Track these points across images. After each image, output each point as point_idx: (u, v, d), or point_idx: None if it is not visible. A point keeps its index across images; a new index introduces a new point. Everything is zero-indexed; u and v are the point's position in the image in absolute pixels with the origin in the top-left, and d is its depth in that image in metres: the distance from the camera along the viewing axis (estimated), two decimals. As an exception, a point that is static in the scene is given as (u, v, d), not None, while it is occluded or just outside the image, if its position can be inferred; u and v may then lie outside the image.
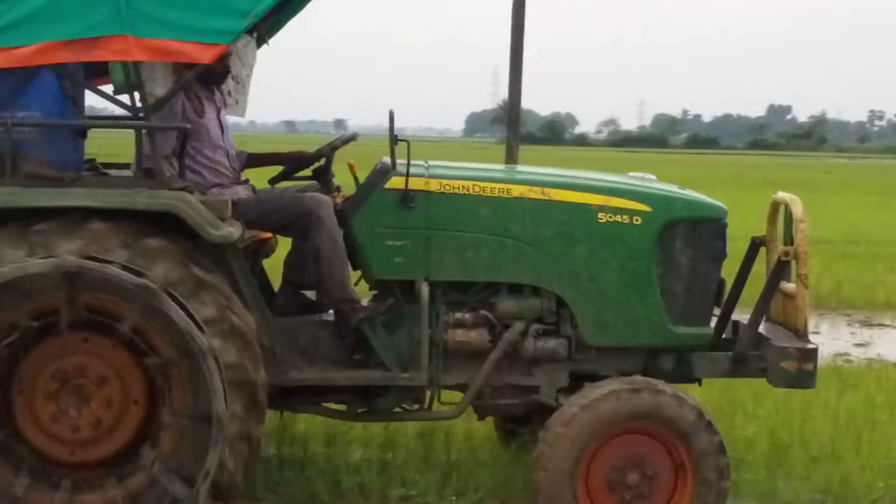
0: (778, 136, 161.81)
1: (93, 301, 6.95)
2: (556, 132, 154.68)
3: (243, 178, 8.25)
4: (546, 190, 7.89)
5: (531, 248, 7.86)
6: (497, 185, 7.88)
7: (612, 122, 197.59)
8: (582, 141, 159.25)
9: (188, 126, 7.64)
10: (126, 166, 8.35)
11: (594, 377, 7.93)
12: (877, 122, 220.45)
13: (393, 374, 7.77)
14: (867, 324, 15.78)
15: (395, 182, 7.77)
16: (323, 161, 8.44)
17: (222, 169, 7.96)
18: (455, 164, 8.27)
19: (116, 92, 7.69)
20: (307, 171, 8.50)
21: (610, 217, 7.83)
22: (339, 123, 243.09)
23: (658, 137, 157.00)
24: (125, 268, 6.87)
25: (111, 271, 6.81)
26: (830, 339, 14.28)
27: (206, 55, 7.08)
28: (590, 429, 7.34)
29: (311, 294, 8.35)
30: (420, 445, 9.00)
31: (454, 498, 8.13)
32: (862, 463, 8.98)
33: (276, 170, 8.54)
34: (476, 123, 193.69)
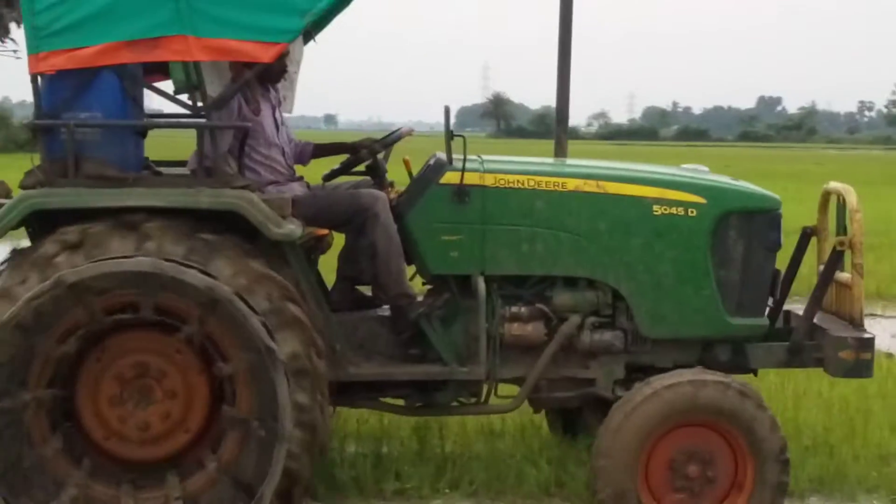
0: (768, 127, 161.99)
1: (162, 302, 6.96)
2: (547, 125, 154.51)
3: (297, 176, 8.25)
4: (601, 183, 7.91)
5: (586, 241, 7.89)
6: (552, 179, 7.90)
7: (602, 115, 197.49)
8: (573, 134, 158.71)
9: (249, 125, 7.67)
10: (178, 164, 8.35)
11: (651, 369, 7.96)
12: (867, 113, 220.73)
13: (451, 368, 7.80)
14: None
15: (450, 177, 7.80)
16: (374, 156, 8.44)
17: (277, 166, 7.98)
18: (509, 158, 8.28)
19: (177, 91, 7.73)
20: (360, 167, 8.50)
21: (665, 209, 7.86)
22: (330, 119, 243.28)
23: (648, 130, 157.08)
24: (198, 270, 6.87)
25: (187, 274, 6.82)
26: None
27: (266, 54, 7.10)
28: (653, 419, 7.36)
29: (365, 290, 8.35)
30: (414, 439, 8.98)
31: (448, 491, 8.14)
32: (855, 452, 8.99)
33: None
34: (466, 118, 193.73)
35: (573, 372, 8.03)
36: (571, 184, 7.90)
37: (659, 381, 7.44)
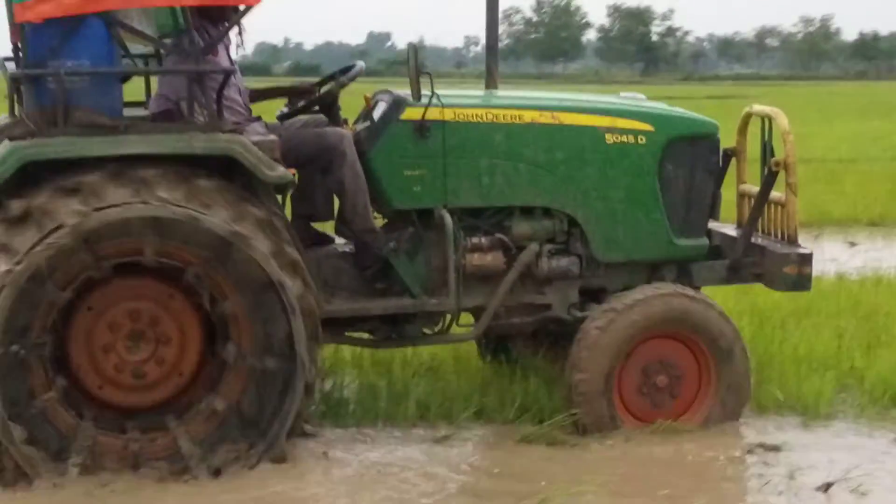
0: (378, 62, 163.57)
1: (163, 247, 7.00)
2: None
3: (255, 116, 8.31)
4: (556, 114, 8.24)
5: (544, 171, 8.20)
6: (509, 112, 8.19)
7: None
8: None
9: (235, 69, 7.69)
10: (134, 105, 8.27)
11: (602, 292, 8.34)
12: (472, 48, 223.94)
13: (421, 300, 8.03)
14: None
15: (411, 113, 8.00)
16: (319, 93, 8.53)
17: (237, 107, 8.01)
18: (467, 92, 8.53)
19: (161, 37, 7.67)
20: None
21: (616, 138, 8.24)
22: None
23: (262, 66, 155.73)
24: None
25: (202, 219, 6.92)
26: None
27: None
28: (627, 332, 7.82)
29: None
30: (370, 372, 9.19)
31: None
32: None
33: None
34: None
35: (530, 298, 8.32)
36: (528, 116, 8.19)
37: (631, 296, 7.87)
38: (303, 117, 8.49)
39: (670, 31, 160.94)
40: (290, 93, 8.62)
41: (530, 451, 7.77)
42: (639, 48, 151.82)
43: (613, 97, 8.87)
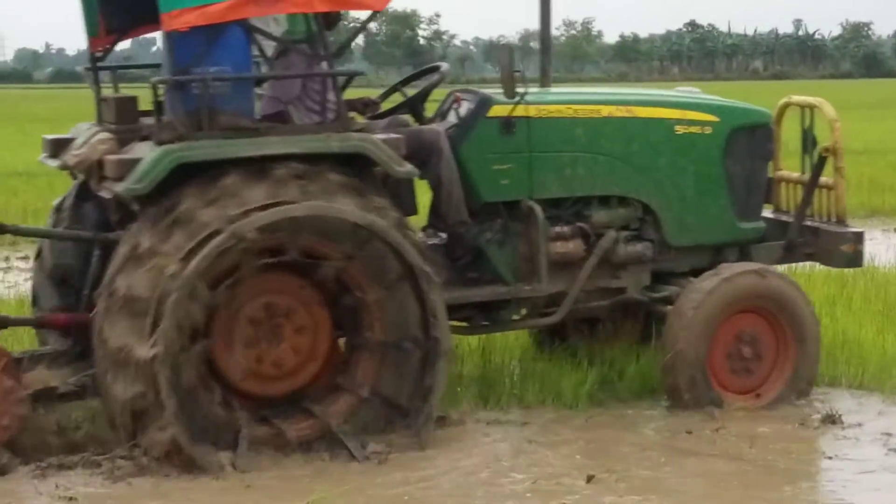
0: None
1: (308, 244, 7.47)
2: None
3: None
4: (631, 108, 8.85)
5: (620, 161, 8.80)
6: (588, 107, 8.80)
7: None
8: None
9: (362, 72, 8.11)
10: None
11: (671, 275, 8.97)
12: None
13: (515, 287, 8.54)
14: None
15: (497, 110, 8.55)
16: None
17: (334, 107, 8.37)
18: (548, 89, 9.01)
19: (295, 42, 8.00)
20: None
21: (686, 129, 8.87)
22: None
23: (22, 73, 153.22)
24: None
25: (347, 213, 7.40)
26: None
27: (380, 3, 7.56)
28: (722, 304, 8.42)
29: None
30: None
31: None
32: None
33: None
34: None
35: (606, 282, 8.88)
36: (605, 110, 8.82)
37: (728, 270, 8.51)
38: (385, 119, 8.88)
39: (437, 35, 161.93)
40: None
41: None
42: (406, 52, 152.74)
43: (674, 91, 9.43)
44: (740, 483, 7.30)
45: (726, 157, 8.97)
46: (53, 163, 8.38)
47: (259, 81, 8.10)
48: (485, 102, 8.59)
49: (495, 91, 8.59)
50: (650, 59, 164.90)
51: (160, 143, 7.41)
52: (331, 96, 8.06)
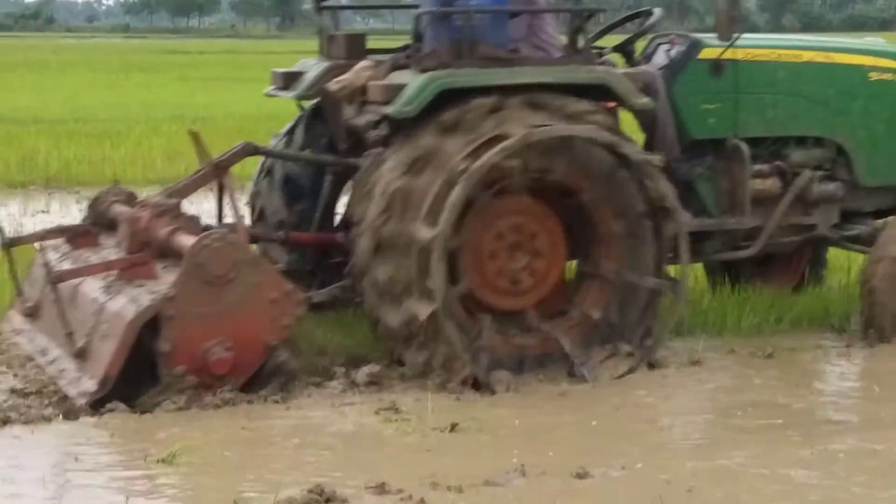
0: (6, 16, 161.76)
1: (565, 171, 8.09)
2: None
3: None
4: (829, 54, 9.50)
5: (818, 104, 9.44)
6: (790, 52, 9.45)
7: None
8: None
9: (604, 9, 8.81)
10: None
11: (857, 214, 9.63)
12: (104, 2, 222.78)
13: (722, 220, 9.17)
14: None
15: (707, 53, 9.19)
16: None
17: (558, 44, 8.92)
18: (753, 35, 9.60)
19: None
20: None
21: (879, 76, 9.53)
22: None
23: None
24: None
25: (619, 143, 8.02)
26: (60, 217, 14.12)
27: None
28: None
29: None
30: None
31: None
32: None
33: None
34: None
35: (798, 220, 9.47)
36: (806, 55, 9.48)
37: None
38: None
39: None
40: None
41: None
42: (275, 2, 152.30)
43: (860, 40, 10.04)
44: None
45: None
46: (286, 94, 9.07)
47: (513, 14, 8.64)
48: (695, 45, 9.22)
49: (704, 35, 9.26)
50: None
51: (423, 70, 8.00)
52: (554, 36, 8.58)
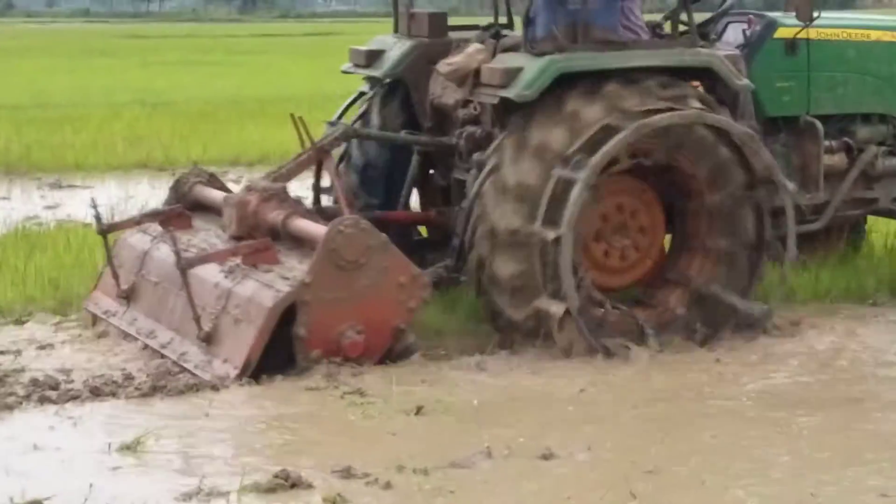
0: None
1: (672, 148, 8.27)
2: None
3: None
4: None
5: (885, 82, 9.79)
6: (859, 31, 9.76)
7: None
8: None
9: None
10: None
11: None
12: None
13: (797, 194, 9.20)
14: (57, 186, 15.88)
15: (783, 32, 9.55)
16: None
17: (646, 28, 8.91)
18: (825, 13, 9.65)
19: None
20: None
21: None
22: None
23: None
24: None
25: (724, 122, 8.22)
26: (21, 203, 14.32)
27: None
28: None
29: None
30: None
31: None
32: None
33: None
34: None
35: (861, 193, 9.78)
36: (874, 35, 9.86)
37: None
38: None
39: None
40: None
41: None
42: None
43: None
44: None
45: None
46: (369, 72, 9.33)
47: None
48: (771, 25, 9.63)
49: (778, 14, 9.71)
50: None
51: (539, 54, 8.25)
52: (643, 19, 8.86)
